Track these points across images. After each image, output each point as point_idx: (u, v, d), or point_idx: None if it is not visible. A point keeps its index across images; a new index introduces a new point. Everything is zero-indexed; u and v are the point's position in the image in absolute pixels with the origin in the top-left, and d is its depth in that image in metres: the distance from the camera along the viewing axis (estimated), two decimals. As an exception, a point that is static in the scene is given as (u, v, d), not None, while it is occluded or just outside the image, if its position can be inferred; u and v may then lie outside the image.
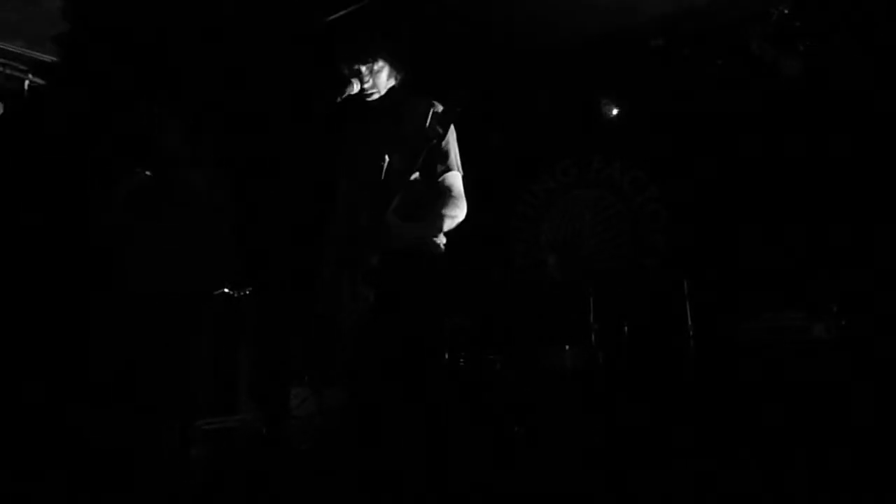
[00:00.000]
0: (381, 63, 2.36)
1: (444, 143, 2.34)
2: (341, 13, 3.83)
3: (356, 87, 2.33)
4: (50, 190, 4.56)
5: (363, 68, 2.33)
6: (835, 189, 4.18)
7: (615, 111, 5.07)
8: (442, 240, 2.38)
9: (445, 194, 2.34)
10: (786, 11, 3.87)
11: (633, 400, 3.93)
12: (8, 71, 4.50)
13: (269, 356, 4.27)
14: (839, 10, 3.93)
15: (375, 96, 2.38)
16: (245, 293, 3.89)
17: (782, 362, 3.62)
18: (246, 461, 3.66)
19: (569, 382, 4.01)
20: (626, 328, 4.34)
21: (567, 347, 4.09)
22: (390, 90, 2.41)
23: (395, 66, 2.40)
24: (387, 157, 2.30)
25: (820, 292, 3.81)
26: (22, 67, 4.57)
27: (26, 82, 4.60)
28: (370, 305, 2.17)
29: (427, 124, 2.19)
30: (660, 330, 4.41)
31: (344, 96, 2.31)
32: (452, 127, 2.35)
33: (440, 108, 2.24)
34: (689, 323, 4.16)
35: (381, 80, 2.37)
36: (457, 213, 2.34)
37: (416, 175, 2.23)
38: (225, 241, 3.29)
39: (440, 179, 2.35)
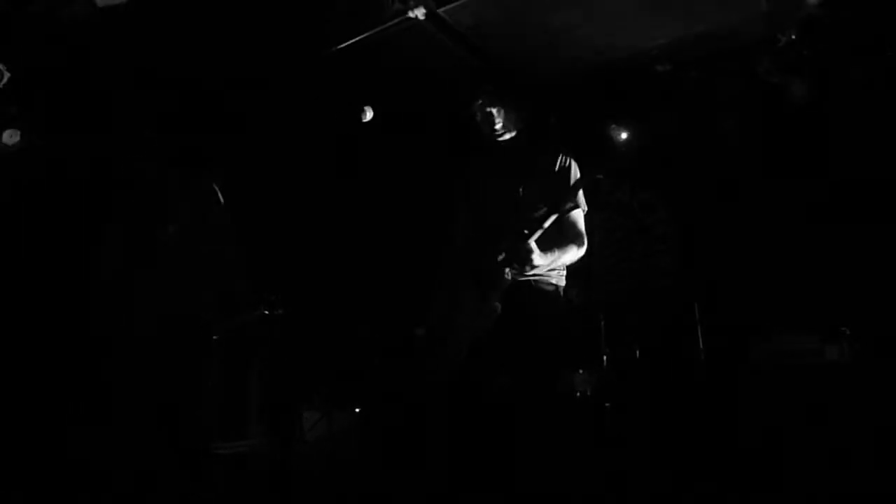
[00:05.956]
0: (506, 109, 2.62)
1: (572, 181, 2.57)
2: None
3: (498, 124, 2.61)
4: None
5: (494, 111, 2.59)
6: (847, 211, 4.18)
7: (624, 135, 5.09)
8: (563, 276, 2.58)
9: (570, 231, 2.52)
10: (793, 37, 3.91)
11: (645, 423, 3.90)
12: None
13: (281, 379, 4.25)
14: (847, 35, 3.96)
15: (506, 135, 2.63)
16: (279, 313, 3.90)
17: (795, 385, 3.60)
18: (257, 487, 3.63)
19: (581, 406, 3.98)
20: (637, 351, 4.32)
21: (580, 371, 4.07)
22: (520, 131, 2.67)
23: (518, 113, 2.66)
24: (521, 189, 2.53)
25: (833, 314, 3.80)
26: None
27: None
28: (495, 320, 2.37)
29: (557, 163, 2.56)
30: (671, 352, 4.39)
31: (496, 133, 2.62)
32: (577, 167, 2.61)
33: (568, 151, 2.58)
34: (701, 345, 4.14)
35: (510, 121, 2.63)
36: (579, 251, 2.53)
37: (544, 209, 2.47)
38: (235, 265, 3.29)
39: (566, 216, 2.52)
